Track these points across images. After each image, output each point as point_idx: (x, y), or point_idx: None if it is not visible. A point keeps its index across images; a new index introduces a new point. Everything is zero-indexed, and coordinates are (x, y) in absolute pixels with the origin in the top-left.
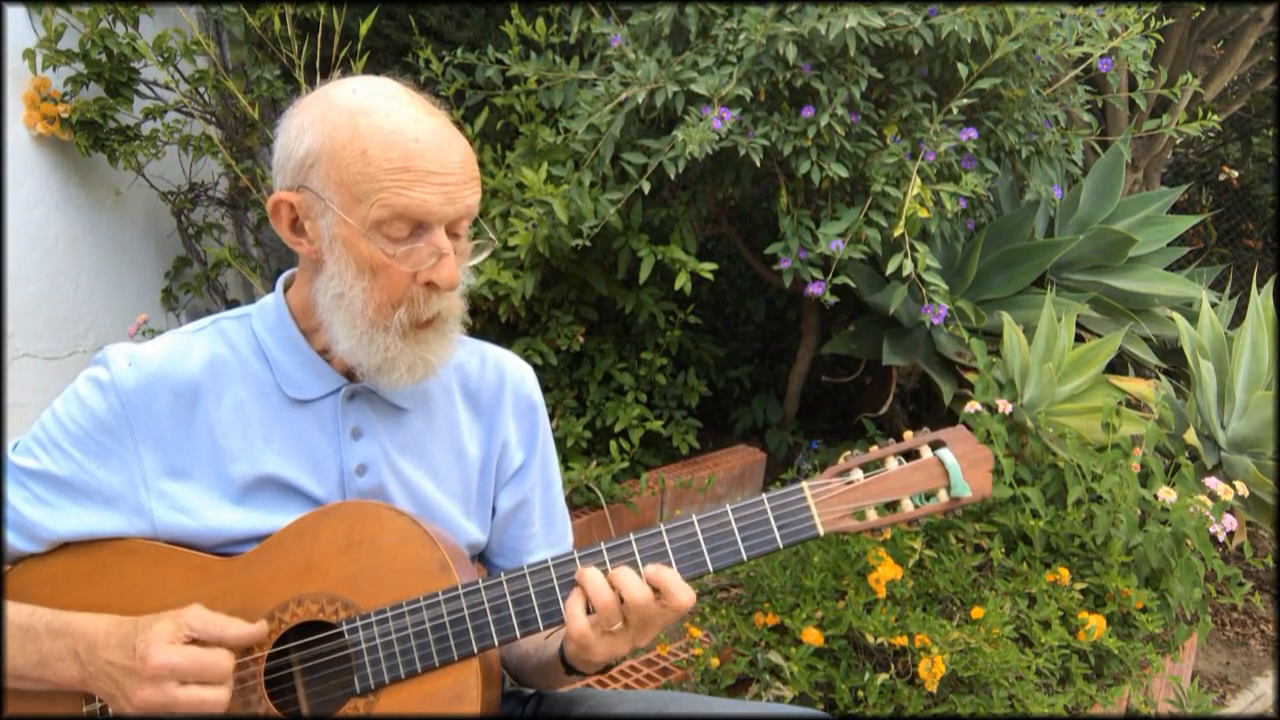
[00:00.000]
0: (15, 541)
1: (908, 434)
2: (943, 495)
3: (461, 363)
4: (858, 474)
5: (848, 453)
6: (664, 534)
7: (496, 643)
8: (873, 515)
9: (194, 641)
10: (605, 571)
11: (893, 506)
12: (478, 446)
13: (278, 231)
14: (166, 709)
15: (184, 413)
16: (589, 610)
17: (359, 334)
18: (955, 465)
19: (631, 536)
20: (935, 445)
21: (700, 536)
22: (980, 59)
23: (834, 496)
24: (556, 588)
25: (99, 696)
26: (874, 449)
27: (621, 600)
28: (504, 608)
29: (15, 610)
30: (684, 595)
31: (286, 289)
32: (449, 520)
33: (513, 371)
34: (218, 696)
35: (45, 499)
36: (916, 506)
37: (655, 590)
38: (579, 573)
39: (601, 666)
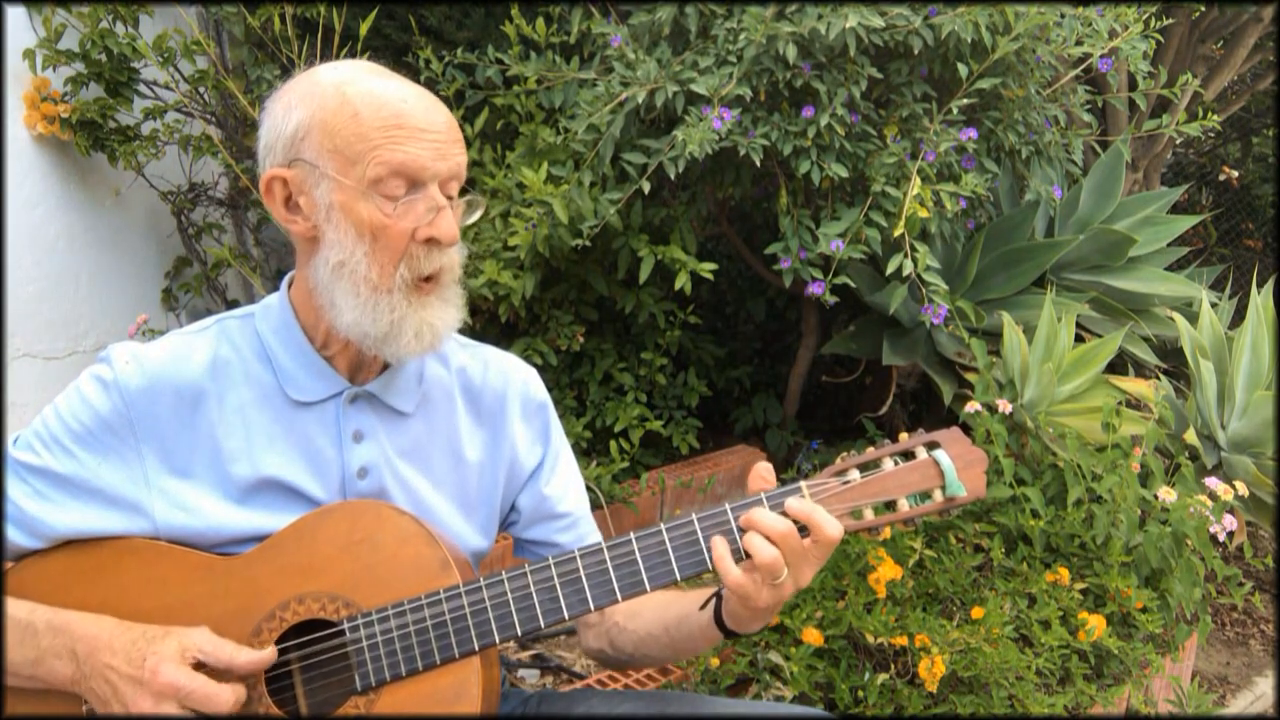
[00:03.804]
0: (16, 537)
1: (903, 435)
2: (938, 495)
3: (464, 366)
4: (854, 474)
5: (845, 454)
6: (664, 533)
7: (497, 640)
8: (869, 515)
9: (200, 665)
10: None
11: (889, 506)
12: (479, 451)
13: (271, 211)
14: None
15: (186, 413)
16: (738, 560)
17: (362, 301)
18: (950, 466)
19: (632, 536)
20: (931, 446)
21: (700, 535)
22: (980, 59)
23: (831, 496)
24: (557, 585)
25: (88, 698)
26: (871, 450)
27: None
28: (505, 605)
29: (15, 606)
30: (831, 528)
31: (290, 289)
32: (448, 525)
33: (516, 376)
34: None
35: (46, 494)
36: (912, 506)
37: (802, 527)
38: (747, 516)
39: (764, 622)
